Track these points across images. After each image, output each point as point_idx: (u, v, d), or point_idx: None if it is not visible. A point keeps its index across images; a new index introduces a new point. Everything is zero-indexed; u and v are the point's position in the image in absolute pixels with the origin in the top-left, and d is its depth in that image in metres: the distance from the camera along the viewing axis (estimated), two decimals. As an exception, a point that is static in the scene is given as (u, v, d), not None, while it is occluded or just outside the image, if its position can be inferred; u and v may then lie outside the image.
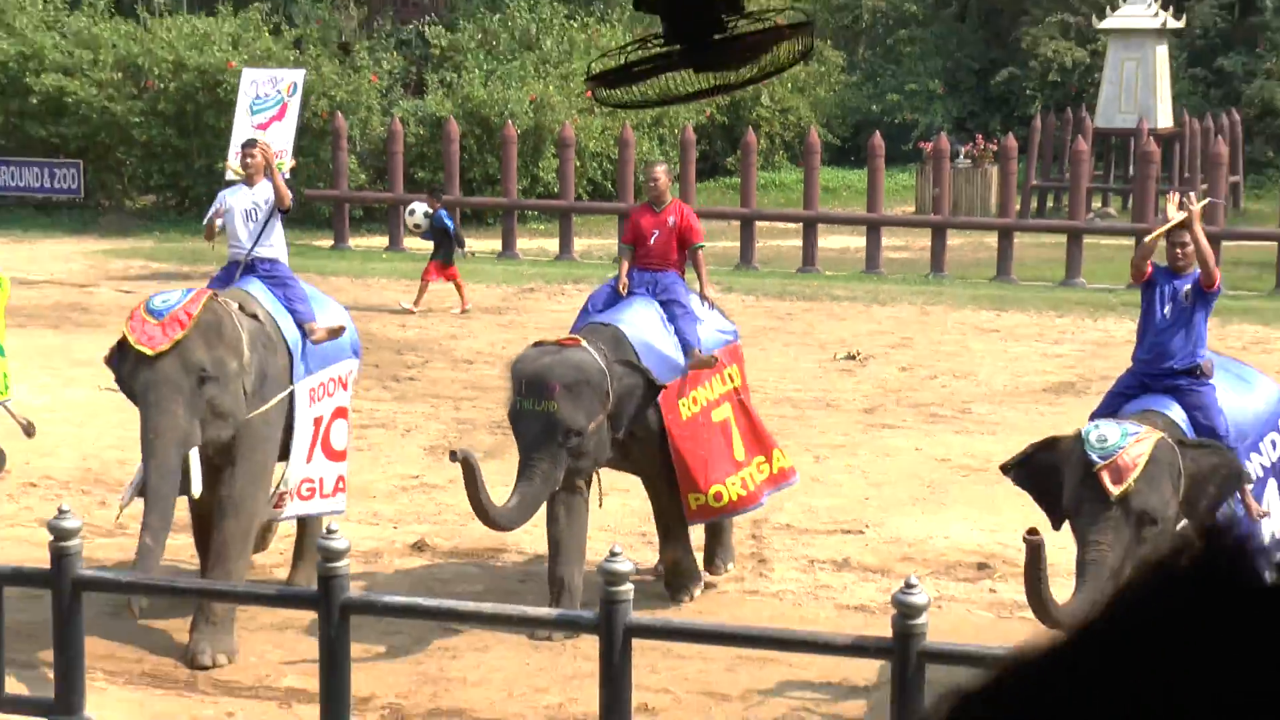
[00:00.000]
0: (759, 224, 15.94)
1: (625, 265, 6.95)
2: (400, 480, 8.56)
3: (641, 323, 6.90)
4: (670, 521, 6.87)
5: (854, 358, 10.94)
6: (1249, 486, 5.54)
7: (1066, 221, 15.41)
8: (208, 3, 16.75)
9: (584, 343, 6.44)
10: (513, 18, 16.59)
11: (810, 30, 3.58)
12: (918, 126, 17.57)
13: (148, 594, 5.99)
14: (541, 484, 6.10)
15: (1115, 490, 4.95)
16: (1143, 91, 15.76)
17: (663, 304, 6.93)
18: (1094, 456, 4.91)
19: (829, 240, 16.28)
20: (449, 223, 12.44)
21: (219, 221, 6.46)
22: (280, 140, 13.20)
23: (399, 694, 6.25)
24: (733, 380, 7.33)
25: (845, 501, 7.82)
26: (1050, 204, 16.71)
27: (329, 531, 5.23)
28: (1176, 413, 5.33)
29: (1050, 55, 17.04)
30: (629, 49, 3.46)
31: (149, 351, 5.52)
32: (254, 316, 5.94)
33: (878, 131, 15.67)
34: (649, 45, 3.42)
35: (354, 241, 15.92)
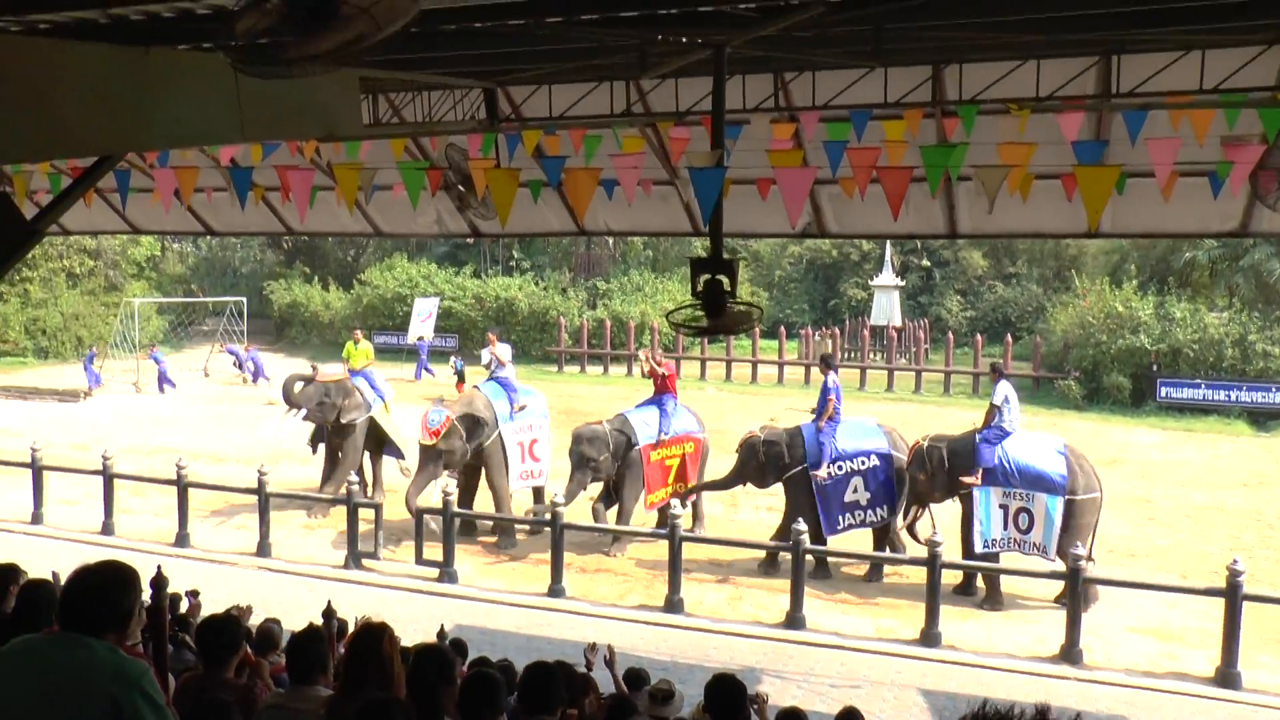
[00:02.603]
0: (734, 363, 36.89)
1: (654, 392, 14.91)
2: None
3: (641, 414, 14.63)
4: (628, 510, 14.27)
5: (773, 422, 21.64)
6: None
7: (859, 363, 36.34)
8: (510, 271, 38.50)
9: (604, 422, 14.49)
10: (633, 277, 37.78)
11: (758, 320, 6.85)
12: (798, 323, 38.91)
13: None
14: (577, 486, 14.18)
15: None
16: (889, 309, 37.18)
17: (660, 408, 14.68)
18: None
19: (763, 369, 37.47)
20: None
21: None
22: (425, 330, 31.92)
23: (582, 561, 14.66)
24: (688, 450, 14.71)
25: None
26: (848, 358, 38.14)
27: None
28: None
29: (853, 294, 38.44)
30: (684, 309, 6.74)
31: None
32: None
33: (781, 324, 36.89)
34: (695, 310, 6.81)
35: (566, 369, 36.90)
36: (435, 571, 13.67)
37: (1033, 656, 11.42)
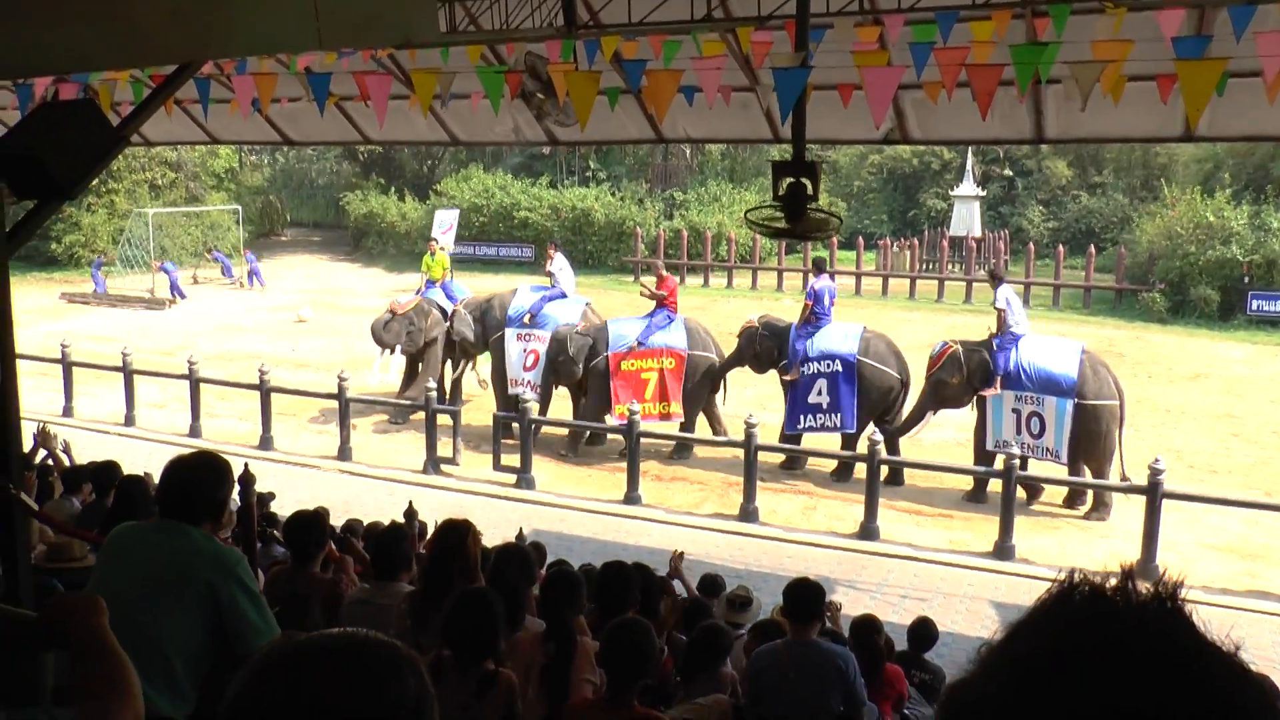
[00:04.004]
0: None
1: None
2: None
3: (624, 323, 14.78)
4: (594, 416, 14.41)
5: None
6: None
7: (936, 274, 35.76)
8: (586, 182, 38.42)
9: (580, 326, 14.76)
10: (710, 187, 37.43)
11: (837, 228, 7.02)
12: (876, 234, 38.39)
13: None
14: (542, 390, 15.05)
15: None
16: (969, 220, 36.44)
17: (649, 319, 14.63)
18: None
19: (840, 280, 37.13)
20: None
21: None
22: (446, 239, 31.32)
23: (659, 469, 15.19)
24: (667, 364, 14.42)
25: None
26: (928, 268, 37.57)
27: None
28: None
29: (932, 204, 37.63)
30: (764, 208, 6.64)
31: None
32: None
33: (859, 235, 36.48)
34: (775, 211, 6.73)
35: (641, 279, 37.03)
36: (513, 478, 13.89)
37: (1107, 572, 11.32)
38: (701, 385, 14.79)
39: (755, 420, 12.98)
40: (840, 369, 13.87)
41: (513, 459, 14.14)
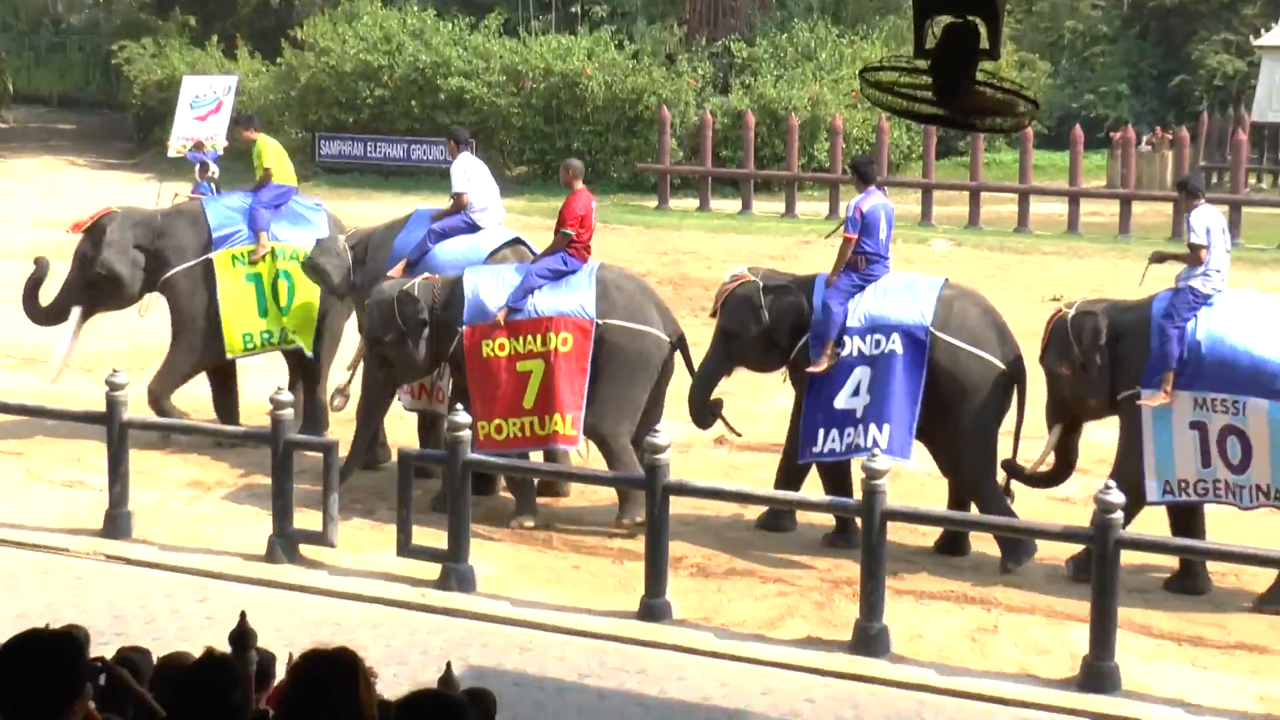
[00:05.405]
0: (984, 194, 33.86)
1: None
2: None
3: (494, 271, 15.19)
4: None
5: (1058, 300, 19.43)
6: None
7: (1229, 195, 34.54)
8: (571, 25, 38.44)
9: (422, 279, 15.04)
10: (797, 35, 37.78)
11: (1033, 113, 7.15)
12: (1109, 119, 38.16)
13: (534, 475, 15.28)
14: (364, 386, 15.66)
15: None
16: (1286, 92, 36.20)
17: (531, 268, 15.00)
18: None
19: (1038, 207, 33.63)
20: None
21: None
22: (217, 128, 30.31)
23: (704, 555, 14.21)
24: (561, 346, 14.59)
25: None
26: (1214, 181, 37.19)
27: (654, 431, 13.07)
28: None
29: (1215, 65, 37.82)
30: (902, 72, 6.82)
31: None
32: None
33: (1078, 123, 35.87)
34: (917, 74, 6.81)
35: (673, 203, 36.08)
36: (434, 569, 13.75)
37: None
38: (636, 379, 14.98)
39: (882, 463, 12.76)
40: (900, 350, 14.01)
41: (433, 534, 14.00)
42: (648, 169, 36.06)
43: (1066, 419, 14.03)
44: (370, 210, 29.63)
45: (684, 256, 29.72)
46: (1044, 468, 14.24)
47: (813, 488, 14.73)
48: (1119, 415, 13.74)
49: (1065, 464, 14.24)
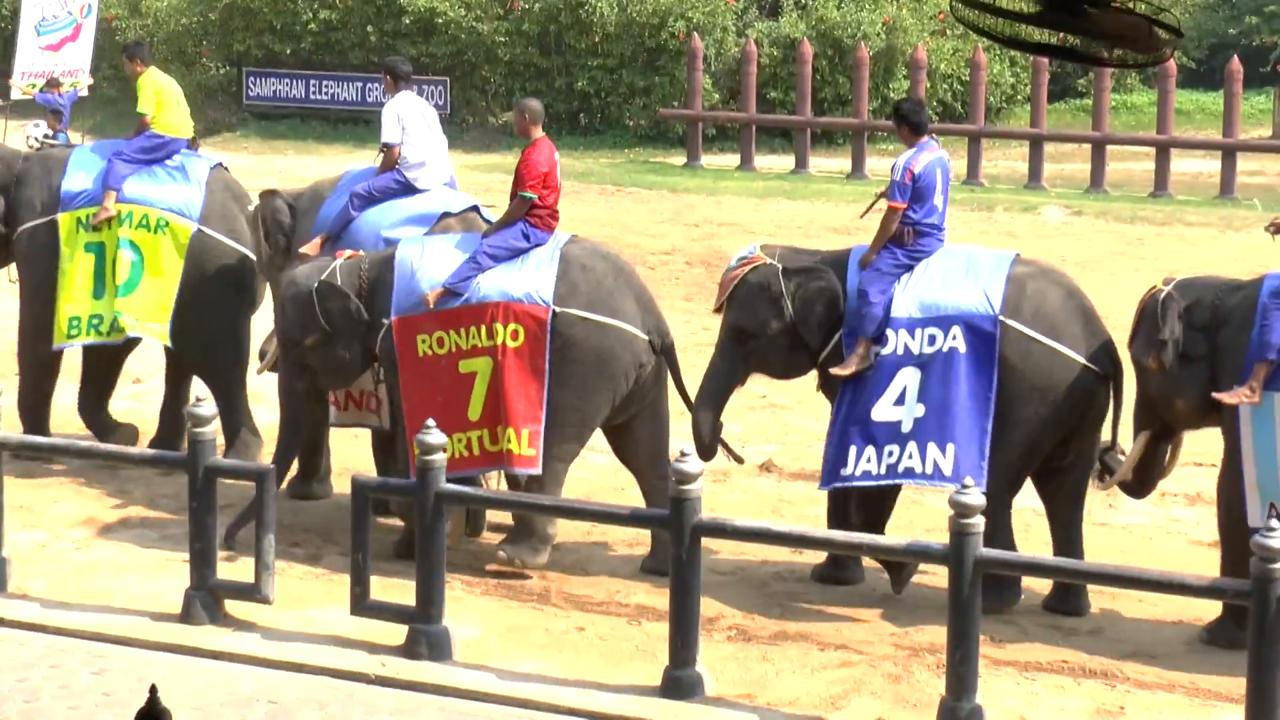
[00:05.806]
0: (1110, 147, 33.28)
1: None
2: (747, 399, 17.07)
3: (427, 249, 15.21)
4: (403, 466, 14.70)
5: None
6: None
7: None
8: None
9: (345, 260, 15.22)
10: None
11: (1176, 43, 7.81)
12: (1277, 49, 37.69)
13: (502, 508, 15.28)
14: (282, 391, 15.97)
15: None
16: None
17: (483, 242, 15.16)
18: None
19: (1182, 164, 33.29)
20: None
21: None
22: (76, 60, 30.39)
23: (745, 615, 14.04)
24: (510, 340, 14.75)
25: (1199, 434, 14.70)
26: None
27: (682, 454, 12.55)
28: None
29: None
30: None
31: None
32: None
33: (1235, 54, 34.92)
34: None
35: (706, 160, 35.37)
36: (399, 631, 13.80)
37: None
38: (592, 387, 15.06)
39: (975, 498, 12.79)
40: (963, 346, 14.10)
41: (398, 586, 14.07)
42: (674, 115, 36.03)
43: (1155, 425, 14.16)
44: (312, 168, 29.53)
45: (719, 229, 29.58)
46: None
47: (894, 528, 14.81)
48: (1220, 422, 13.74)
49: (1143, 479, 14.41)
